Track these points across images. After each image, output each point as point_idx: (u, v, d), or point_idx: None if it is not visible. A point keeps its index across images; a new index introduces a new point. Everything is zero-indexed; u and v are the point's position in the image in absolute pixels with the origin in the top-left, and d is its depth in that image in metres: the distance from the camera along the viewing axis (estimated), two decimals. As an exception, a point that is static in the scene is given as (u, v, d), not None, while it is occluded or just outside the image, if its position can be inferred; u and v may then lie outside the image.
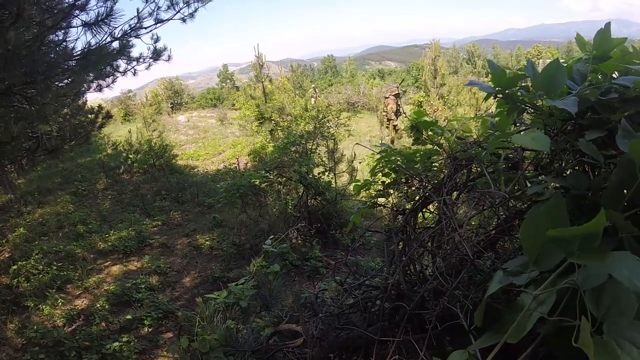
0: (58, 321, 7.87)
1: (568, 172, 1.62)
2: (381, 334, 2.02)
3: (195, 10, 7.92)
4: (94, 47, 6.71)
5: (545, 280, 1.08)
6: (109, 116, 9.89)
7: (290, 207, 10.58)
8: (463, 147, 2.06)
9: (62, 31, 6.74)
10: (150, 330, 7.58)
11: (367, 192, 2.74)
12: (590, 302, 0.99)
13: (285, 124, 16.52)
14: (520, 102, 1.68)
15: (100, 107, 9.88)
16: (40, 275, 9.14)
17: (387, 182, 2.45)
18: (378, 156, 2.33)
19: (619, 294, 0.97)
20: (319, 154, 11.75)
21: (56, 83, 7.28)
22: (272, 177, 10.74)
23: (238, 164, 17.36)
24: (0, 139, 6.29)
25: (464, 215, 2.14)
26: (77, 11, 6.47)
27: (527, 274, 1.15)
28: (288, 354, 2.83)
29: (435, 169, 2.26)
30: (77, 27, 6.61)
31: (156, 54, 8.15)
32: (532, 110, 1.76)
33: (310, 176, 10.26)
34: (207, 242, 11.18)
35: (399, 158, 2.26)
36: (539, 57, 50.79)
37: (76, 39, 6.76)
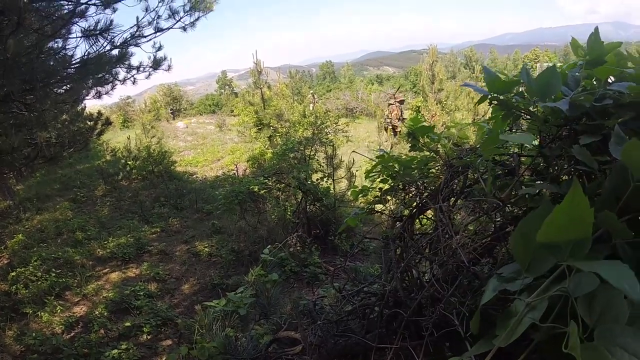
0: (57, 328, 7.86)
1: (564, 178, 1.62)
2: (379, 340, 2.03)
3: (197, 19, 7.99)
4: (93, 54, 6.74)
5: (539, 287, 1.08)
6: (108, 123, 9.90)
7: (289, 213, 10.59)
8: (459, 153, 2.06)
9: (62, 39, 6.77)
10: (149, 337, 7.57)
11: (365, 198, 2.75)
12: (582, 309, 0.99)
13: (284, 130, 16.54)
14: (515, 109, 1.68)
15: (99, 113, 9.89)
16: (39, 282, 9.13)
17: (384, 188, 2.46)
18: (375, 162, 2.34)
19: (611, 301, 0.96)
20: (317, 160, 11.77)
21: (55, 90, 7.30)
22: (270, 183, 10.75)
23: (237, 171, 17.37)
24: (0, 148, 6.31)
25: (462, 222, 2.15)
26: (76, 18, 6.51)
27: (520, 280, 1.15)
28: (287, 362, 2.83)
29: (432, 175, 2.27)
30: (76, 37, 6.65)
31: (156, 64, 8.19)
32: (527, 117, 1.76)
33: (309, 182, 10.27)
34: (206, 249, 11.17)
35: (395, 165, 2.27)
36: (536, 60, 50.95)
37: (75, 47, 6.80)
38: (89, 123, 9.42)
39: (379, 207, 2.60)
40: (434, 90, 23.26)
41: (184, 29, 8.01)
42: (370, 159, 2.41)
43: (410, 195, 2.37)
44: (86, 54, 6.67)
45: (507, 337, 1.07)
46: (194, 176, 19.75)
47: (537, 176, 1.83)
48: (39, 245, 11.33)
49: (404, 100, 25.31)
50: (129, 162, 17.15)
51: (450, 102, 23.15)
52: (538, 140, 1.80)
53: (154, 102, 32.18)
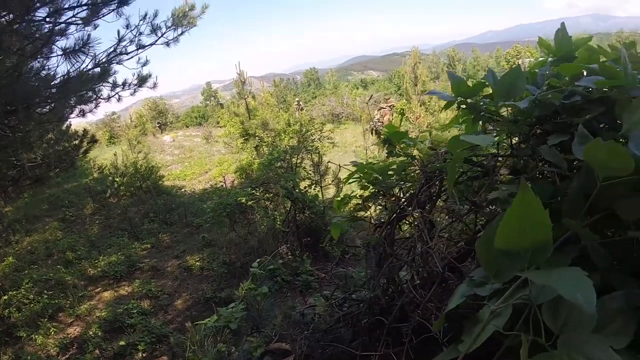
0: (52, 350, 7.80)
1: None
2: (362, 348, 2.04)
3: (181, 34, 7.98)
4: (73, 73, 6.71)
5: (505, 292, 1.05)
6: (93, 140, 9.86)
7: (278, 222, 10.57)
8: (434, 157, 2.08)
9: (43, 57, 6.74)
10: (144, 355, 7.52)
11: (348, 205, 2.77)
12: (547, 316, 0.97)
13: (270, 139, 16.54)
14: (483, 111, 1.69)
15: (85, 131, 9.85)
16: (32, 305, 9.04)
17: (365, 195, 2.48)
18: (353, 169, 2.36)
19: (576, 307, 0.89)
20: (304, 167, 11.77)
21: (38, 110, 7.26)
22: (258, 194, 10.74)
23: (225, 182, 17.34)
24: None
25: (436, 227, 2.16)
26: (56, 37, 6.49)
27: (490, 285, 1.13)
28: (279, 373, 2.84)
29: (411, 180, 2.29)
30: (57, 55, 6.63)
31: (141, 81, 8.17)
32: (497, 118, 1.74)
33: (297, 191, 10.27)
34: (198, 263, 11.11)
35: (373, 172, 2.29)
36: (518, 57, 51.27)
37: (57, 66, 6.77)
38: (74, 142, 9.37)
39: (362, 213, 2.62)
40: (417, 92, 23.38)
41: (167, 44, 8.00)
42: (347, 168, 2.42)
43: (391, 200, 2.39)
44: (66, 72, 6.65)
45: (471, 344, 1.05)
46: (182, 190, 19.68)
47: (514, 175, 1.82)
48: (29, 267, 11.22)
49: (393, 105, 25.44)
50: (117, 179, 17.07)
51: (435, 102, 23.26)
52: (510, 140, 1.82)
53: (140, 116, 32.07)
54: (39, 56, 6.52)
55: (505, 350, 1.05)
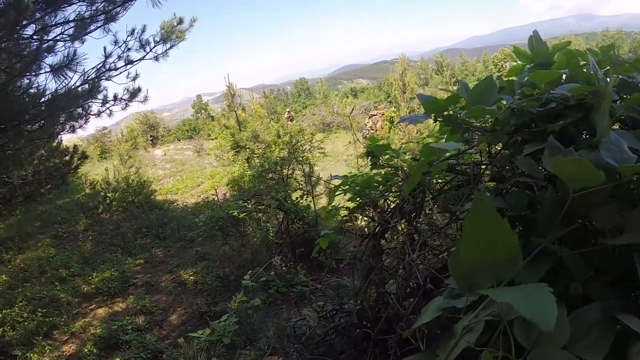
0: (47, 369, 7.76)
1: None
2: (350, 361, 2.06)
3: (170, 48, 7.99)
4: (62, 90, 6.72)
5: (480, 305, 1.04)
6: (84, 157, 9.84)
7: (271, 234, 10.57)
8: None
9: (31, 74, 6.74)
10: (139, 372, 7.50)
11: (336, 216, 2.79)
12: (519, 331, 0.95)
13: (261, 151, 16.55)
14: (460, 123, 1.70)
15: (75, 147, 9.83)
16: (26, 323, 8.97)
17: (351, 206, 2.50)
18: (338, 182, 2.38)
19: None
20: (295, 178, 11.79)
21: (28, 127, 7.25)
22: (250, 206, 10.74)
23: (217, 195, 17.31)
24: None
25: (428, 235, 2.18)
26: (45, 54, 6.49)
27: (466, 297, 1.11)
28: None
29: (396, 191, 2.31)
30: (45, 72, 6.63)
31: (132, 95, 8.18)
32: (473, 129, 1.74)
33: (289, 202, 10.28)
34: (192, 277, 11.08)
35: (357, 185, 2.30)
36: (505, 60, 51.69)
37: (46, 83, 6.77)
38: (65, 158, 9.35)
39: (350, 224, 2.64)
40: (405, 100, 23.46)
41: (157, 59, 8.02)
42: (338, 178, 2.44)
43: (377, 212, 2.41)
44: (54, 89, 6.66)
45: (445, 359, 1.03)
46: (175, 204, 19.64)
47: (498, 184, 1.81)
48: (23, 285, 11.13)
49: (384, 114, 25.57)
50: (109, 194, 17.00)
51: (423, 109, 23.32)
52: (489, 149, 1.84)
53: (131, 130, 32.00)
54: (27, 73, 6.52)
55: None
